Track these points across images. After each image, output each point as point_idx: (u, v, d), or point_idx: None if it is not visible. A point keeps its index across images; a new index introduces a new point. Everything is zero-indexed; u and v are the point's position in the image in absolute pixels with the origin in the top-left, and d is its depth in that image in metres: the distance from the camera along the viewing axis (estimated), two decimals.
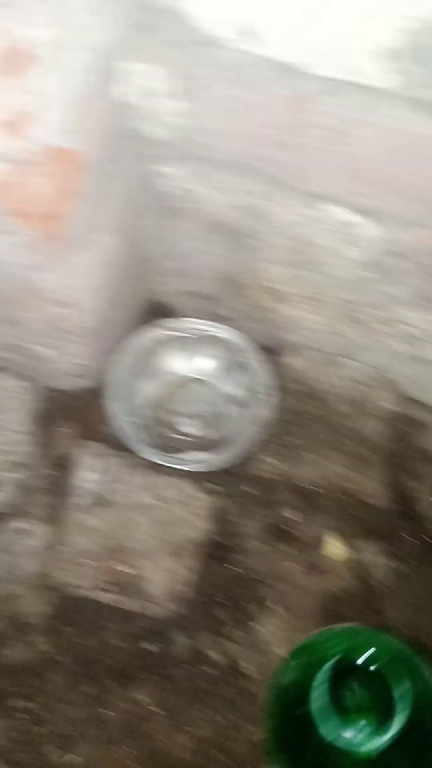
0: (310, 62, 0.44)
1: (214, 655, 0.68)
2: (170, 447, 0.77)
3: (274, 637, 0.70)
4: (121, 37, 0.46)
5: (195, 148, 0.55)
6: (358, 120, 0.48)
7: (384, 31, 0.41)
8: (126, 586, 0.69)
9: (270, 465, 0.74)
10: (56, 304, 0.57)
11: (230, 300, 0.78)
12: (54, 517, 0.75)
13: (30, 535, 0.74)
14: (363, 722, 0.53)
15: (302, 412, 0.76)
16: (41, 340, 0.66)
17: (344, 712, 0.52)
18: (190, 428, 0.81)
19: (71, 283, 0.55)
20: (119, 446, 0.76)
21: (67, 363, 0.72)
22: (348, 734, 0.52)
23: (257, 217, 0.61)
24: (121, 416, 0.77)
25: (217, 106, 0.50)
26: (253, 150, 0.53)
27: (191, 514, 0.73)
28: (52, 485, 0.77)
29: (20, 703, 0.67)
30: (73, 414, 0.82)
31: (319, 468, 0.75)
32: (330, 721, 0.52)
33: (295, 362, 0.79)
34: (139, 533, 0.71)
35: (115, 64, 0.49)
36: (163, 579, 0.70)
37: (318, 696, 0.52)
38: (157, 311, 0.88)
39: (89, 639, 0.70)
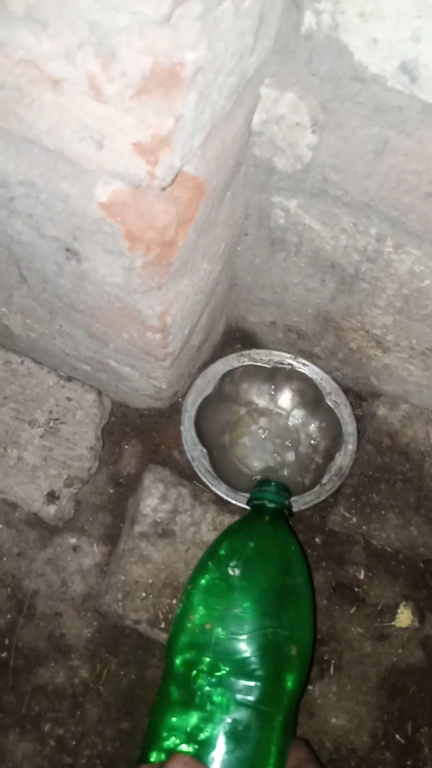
0: None
1: None
2: (241, 483, 0.82)
3: (330, 706, 0.73)
4: (264, 61, 0.52)
5: (325, 185, 0.59)
6: None
7: None
8: None
9: (347, 520, 0.78)
10: (148, 327, 0.61)
11: (326, 340, 0.82)
12: (110, 539, 0.80)
13: (83, 554, 0.80)
14: None
15: (390, 469, 0.79)
16: (124, 359, 0.72)
17: None
18: (264, 466, 0.86)
19: (166, 308, 0.59)
20: (187, 474, 0.81)
21: (146, 384, 0.77)
22: None
23: (378, 263, 0.65)
24: (193, 445, 0.82)
25: (360, 146, 0.54)
26: (392, 196, 0.57)
27: None
28: (112, 505, 0.83)
29: (54, 729, 0.72)
30: (143, 434, 0.87)
31: (401, 532, 0.77)
32: None
33: (391, 415, 0.82)
34: None
35: (254, 90, 0.55)
36: None
37: None
38: (242, 339, 0.93)
39: (131, 672, 0.74)
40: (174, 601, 0.73)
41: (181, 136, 0.41)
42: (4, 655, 0.74)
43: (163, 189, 0.44)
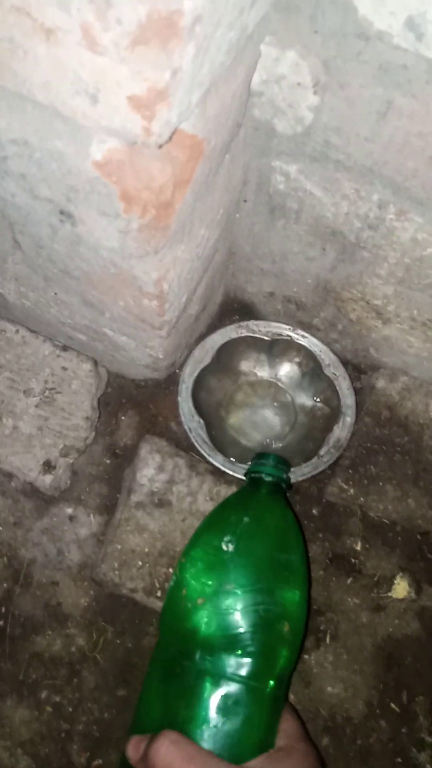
0: None
1: None
2: (238, 454, 0.82)
3: (326, 675, 0.74)
4: (265, 17, 0.49)
5: (326, 149, 0.58)
6: None
7: None
8: None
9: (344, 491, 0.78)
10: (145, 294, 0.60)
11: (325, 311, 0.81)
12: (107, 508, 0.80)
13: (79, 524, 0.80)
14: None
15: (388, 441, 0.79)
16: (120, 328, 0.71)
17: None
18: (261, 437, 0.86)
19: (163, 274, 0.58)
20: (183, 445, 0.81)
21: (142, 353, 0.76)
22: None
23: (379, 230, 0.64)
24: (189, 417, 0.82)
25: (363, 108, 0.53)
26: (396, 160, 0.56)
27: None
28: (108, 475, 0.83)
29: (50, 697, 0.72)
30: (139, 405, 0.87)
31: (398, 503, 0.77)
32: None
33: (390, 387, 0.82)
34: None
35: (255, 48, 0.54)
36: None
37: None
38: (240, 310, 0.92)
39: (127, 640, 0.75)
40: (170, 570, 0.73)
41: (178, 91, 0.40)
42: (0, 623, 0.75)
43: (160, 146, 0.43)
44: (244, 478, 0.77)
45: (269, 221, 0.71)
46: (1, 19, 0.38)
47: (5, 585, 0.76)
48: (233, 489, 0.77)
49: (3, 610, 0.75)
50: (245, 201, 0.70)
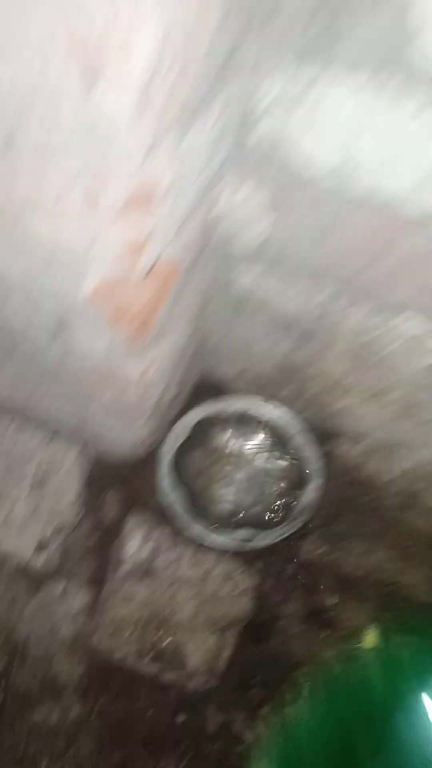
0: (403, 197, 0.60)
1: (245, 734, 0.78)
2: (216, 523, 0.89)
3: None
4: (224, 162, 0.62)
5: (280, 257, 0.68)
6: None
7: None
8: (162, 656, 0.79)
9: (315, 550, 0.85)
10: (129, 387, 0.70)
11: (289, 386, 0.91)
12: (96, 581, 0.86)
13: (71, 598, 0.85)
14: None
15: (353, 499, 0.87)
16: (106, 415, 0.80)
17: None
18: (238, 506, 0.93)
19: (146, 369, 0.68)
20: (166, 518, 0.88)
21: (126, 436, 0.85)
22: None
23: (331, 318, 0.74)
24: (170, 490, 0.89)
25: (308, 226, 0.64)
26: (339, 263, 0.66)
27: (233, 592, 0.84)
28: (96, 550, 0.89)
29: (50, 766, 0.76)
30: (123, 482, 0.93)
31: (365, 558, 0.85)
32: None
33: (352, 451, 0.91)
34: (179, 606, 0.82)
35: (217, 188, 0.65)
36: (199, 653, 0.80)
37: None
38: (213, 388, 1.01)
39: (120, 705, 0.80)
40: (158, 635, 0.79)
41: (158, 234, 0.50)
42: (0, 698, 0.79)
43: (144, 276, 0.52)
44: (220, 547, 0.83)
45: (235, 316, 0.81)
46: (11, 205, 0.47)
47: (3, 662, 0.81)
48: (217, 555, 0.84)
49: (3, 684, 0.79)
50: (213, 300, 0.80)
